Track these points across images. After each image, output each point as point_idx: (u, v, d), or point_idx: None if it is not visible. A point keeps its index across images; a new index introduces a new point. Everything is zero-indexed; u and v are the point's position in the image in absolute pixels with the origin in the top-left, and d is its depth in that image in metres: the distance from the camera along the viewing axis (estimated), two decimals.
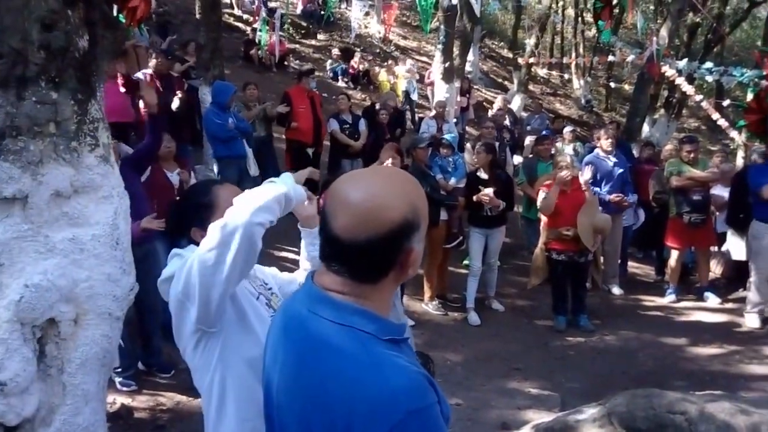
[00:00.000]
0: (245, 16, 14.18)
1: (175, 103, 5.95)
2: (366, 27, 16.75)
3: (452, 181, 5.98)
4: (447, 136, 6.63)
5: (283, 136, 7.30)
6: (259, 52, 11.85)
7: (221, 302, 1.53)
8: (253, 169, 5.95)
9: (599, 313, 5.74)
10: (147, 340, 4.05)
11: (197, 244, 1.60)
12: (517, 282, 6.46)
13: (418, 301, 5.75)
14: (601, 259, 6.19)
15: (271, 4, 13.50)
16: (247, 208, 1.48)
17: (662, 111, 14.97)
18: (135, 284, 2.23)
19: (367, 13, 15.83)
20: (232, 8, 14.50)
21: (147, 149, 3.84)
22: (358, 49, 14.87)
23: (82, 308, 2.03)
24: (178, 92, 6.35)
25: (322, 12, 14.80)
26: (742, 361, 4.67)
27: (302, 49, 14.56)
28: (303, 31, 15.26)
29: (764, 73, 7.18)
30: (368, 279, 1.05)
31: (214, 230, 1.49)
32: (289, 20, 14.57)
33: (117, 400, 3.63)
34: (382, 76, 12.56)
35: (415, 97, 11.97)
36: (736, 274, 6.24)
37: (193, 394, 3.48)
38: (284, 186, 1.58)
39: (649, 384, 3.74)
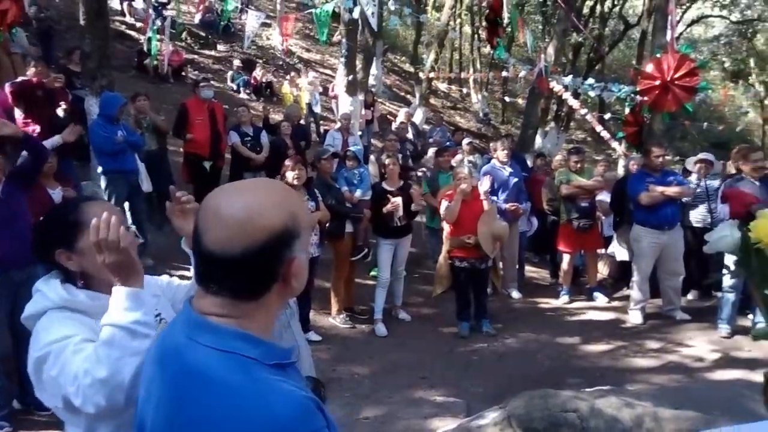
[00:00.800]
0: (138, 25, 13.49)
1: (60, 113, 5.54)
2: (268, 38, 16.52)
3: (358, 193, 6.00)
4: (352, 149, 6.66)
5: (181, 149, 7.01)
6: (151, 61, 11.32)
7: None
8: (146, 185, 5.63)
9: (500, 317, 5.96)
10: (24, 376, 3.68)
11: (63, 268, 1.45)
12: (422, 291, 6.58)
13: (326, 315, 5.69)
14: (500, 264, 6.46)
15: (167, 13, 12.96)
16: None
17: (552, 123, 16.05)
18: None
19: (268, 25, 15.62)
20: (124, 16, 13.75)
21: (32, 164, 3.71)
22: (260, 61, 14.62)
23: None
24: (61, 103, 5.91)
25: (221, 22, 14.41)
26: (628, 355, 5.02)
27: (201, 60, 14.09)
28: (202, 41, 14.77)
29: (638, 89, 7.86)
30: (249, 296, 0.99)
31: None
32: (186, 29, 14.05)
33: None
34: (285, 88, 12.43)
35: (318, 109, 11.94)
36: (622, 274, 6.74)
37: None
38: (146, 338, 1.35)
39: (547, 383, 3.92)
